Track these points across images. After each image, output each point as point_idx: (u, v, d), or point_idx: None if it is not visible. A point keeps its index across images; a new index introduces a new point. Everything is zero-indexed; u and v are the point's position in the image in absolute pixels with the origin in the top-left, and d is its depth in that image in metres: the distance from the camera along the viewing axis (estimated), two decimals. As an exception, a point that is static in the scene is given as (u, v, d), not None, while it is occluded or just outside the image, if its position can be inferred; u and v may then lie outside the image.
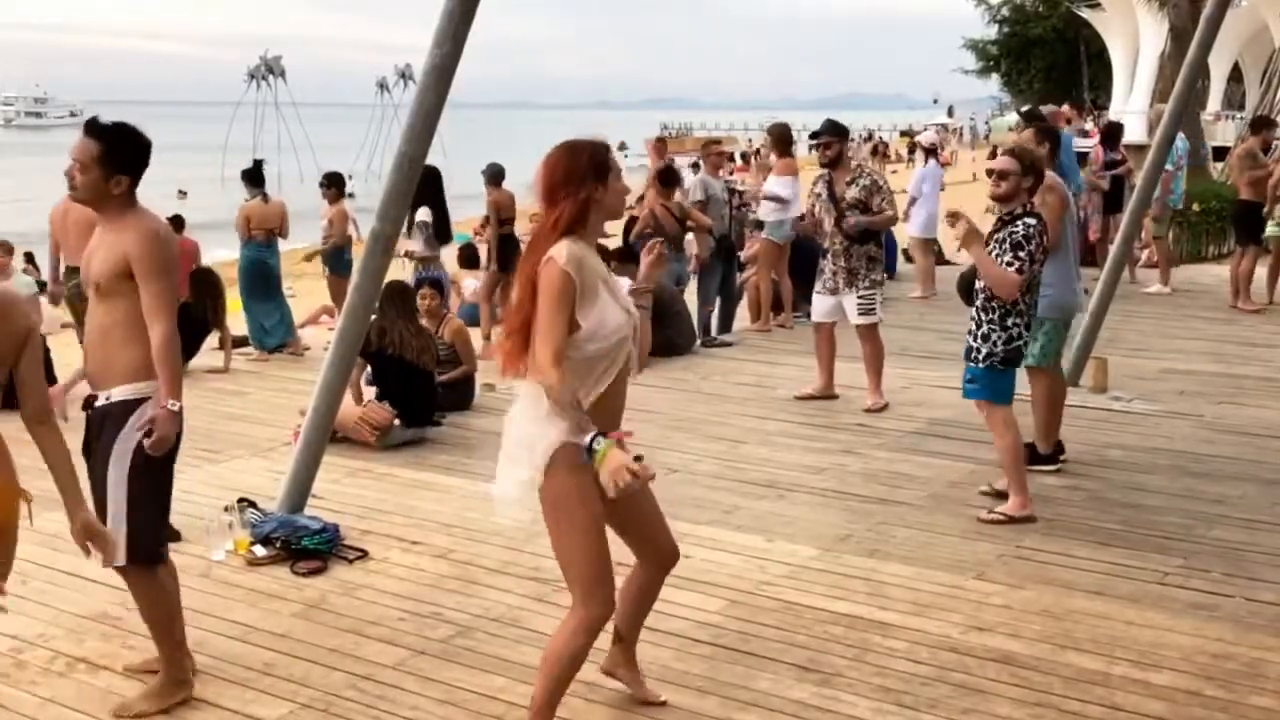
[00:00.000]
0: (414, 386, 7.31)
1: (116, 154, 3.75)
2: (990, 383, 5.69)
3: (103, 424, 3.79)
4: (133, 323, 3.72)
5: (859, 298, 7.89)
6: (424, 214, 9.19)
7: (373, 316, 7.34)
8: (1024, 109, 12.93)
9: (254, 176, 10.98)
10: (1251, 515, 5.82)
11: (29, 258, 16.72)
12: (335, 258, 11.32)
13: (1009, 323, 5.61)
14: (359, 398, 7.27)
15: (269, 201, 10.81)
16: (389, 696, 4.04)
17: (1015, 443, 5.77)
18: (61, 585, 5.00)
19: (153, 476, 3.80)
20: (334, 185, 11.45)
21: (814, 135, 8.09)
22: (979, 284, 5.70)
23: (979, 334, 5.69)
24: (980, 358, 5.68)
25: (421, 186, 9.11)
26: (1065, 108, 16.41)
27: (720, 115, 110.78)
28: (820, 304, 8.10)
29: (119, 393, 3.75)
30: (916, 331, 10.23)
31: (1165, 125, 8.53)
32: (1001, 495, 5.90)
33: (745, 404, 7.98)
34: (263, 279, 10.55)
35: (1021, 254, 5.51)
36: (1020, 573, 5.12)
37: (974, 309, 5.75)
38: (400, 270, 10.01)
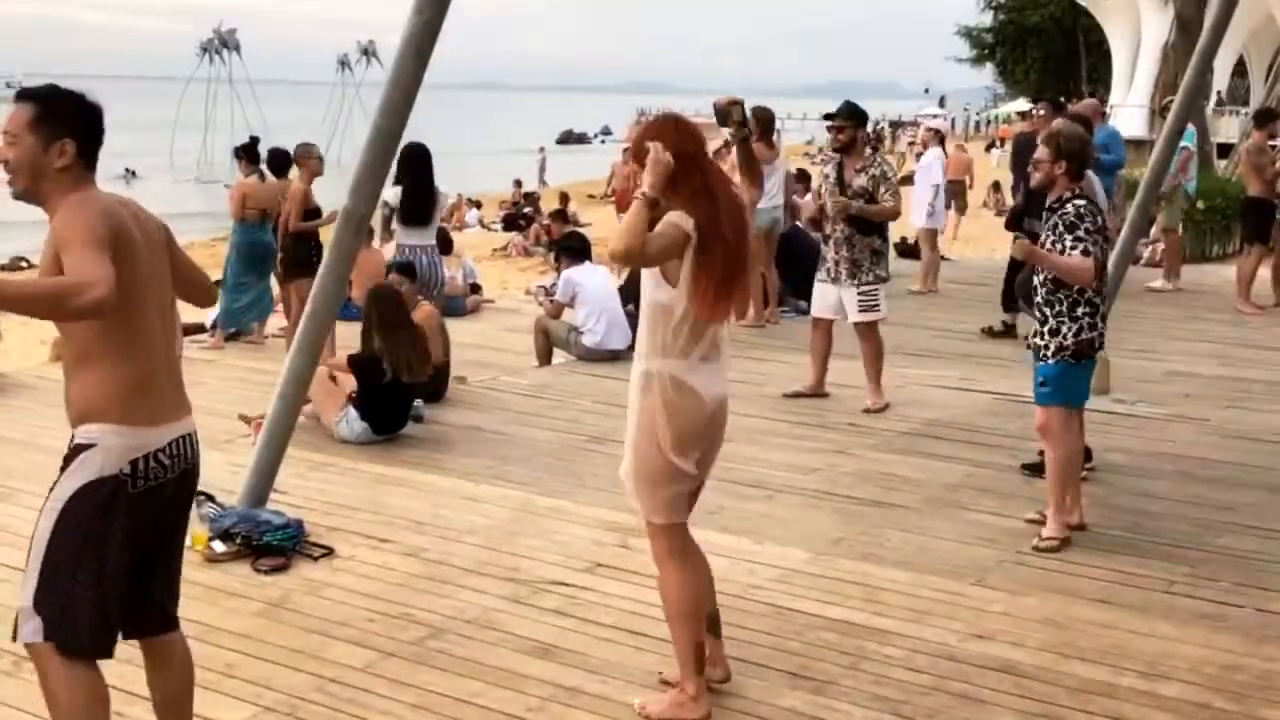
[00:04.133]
0: (402, 400, 7.26)
1: (56, 113, 3.12)
2: (1062, 382, 5.53)
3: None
4: (79, 350, 3.15)
5: (860, 294, 7.85)
6: (388, 194, 9.12)
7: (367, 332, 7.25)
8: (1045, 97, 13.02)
9: (252, 153, 10.90)
10: (1261, 523, 5.88)
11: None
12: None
13: (1078, 312, 5.49)
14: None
15: (265, 180, 10.77)
16: (358, 700, 4.03)
17: (1070, 455, 5.59)
18: (6, 580, 4.95)
19: (84, 540, 3.10)
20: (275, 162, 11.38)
21: (828, 117, 8.10)
22: (1038, 279, 5.62)
23: (1046, 330, 5.55)
24: (1050, 353, 5.53)
25: (403, 165, 9.05)
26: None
27: (701, 101, 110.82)
28: (821, 295, 8.07)
29: (77, 434, 3.17)
30: (912, 329, 10.27)
31: (1175, 115, 8.61)
32: (1038, 523, 5.69)
33: (731, 401, 7.95)
34: (261, 260, 10.54)
35: (1079, 233, 5.40)
36: (1021, 579, 5.15)
37: (1037, 307, 5.63)
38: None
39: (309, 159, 10.50)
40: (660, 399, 3.77)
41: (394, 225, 9.36)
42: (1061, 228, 5.46)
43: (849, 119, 7.94)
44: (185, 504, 3.40)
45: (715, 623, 4.12)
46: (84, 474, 3.11)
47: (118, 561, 3.15)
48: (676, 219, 3.69)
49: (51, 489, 3.17)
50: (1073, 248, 5.42)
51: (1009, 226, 10.59)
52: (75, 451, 3.14)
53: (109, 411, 3.11)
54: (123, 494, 3.12)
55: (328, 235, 6.17)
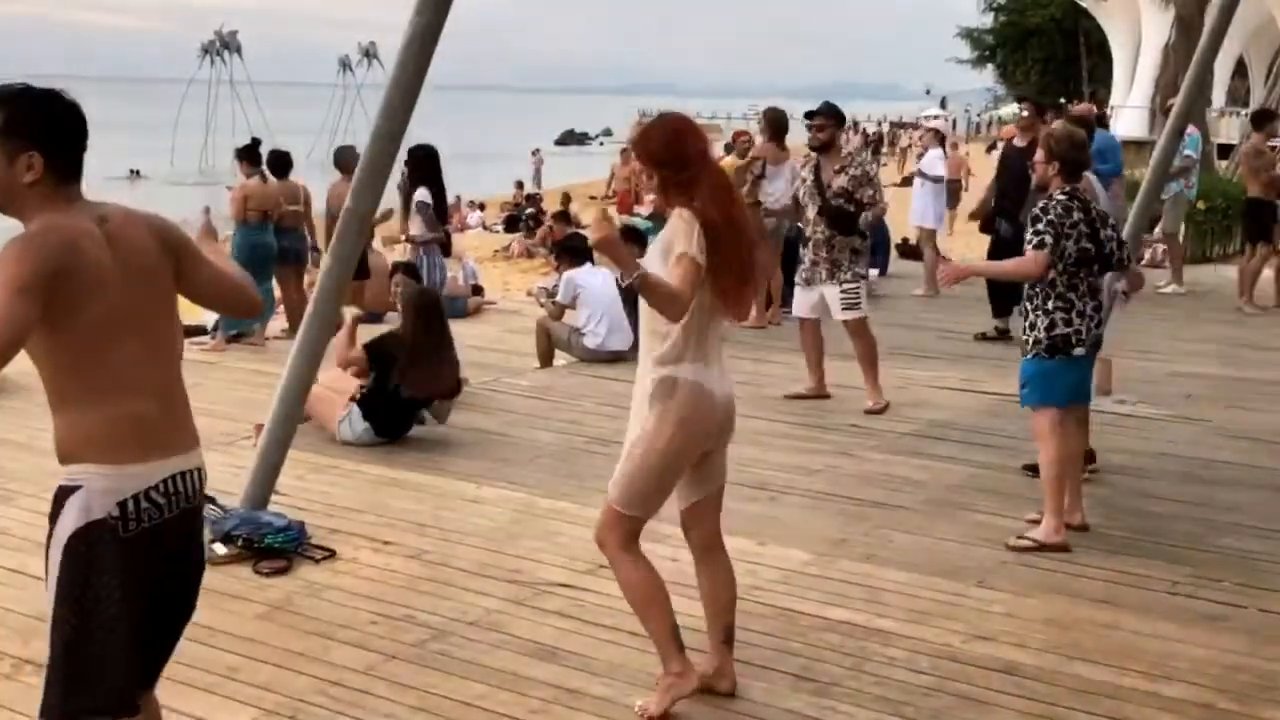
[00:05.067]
0: (406, 406, 7.24)
1: (18, 124, 2.80)
2: (1039, 380, 5.49)
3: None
4: (52, 387, 2.90)
5: (842, 292, 7.84)
6: (422, 194, 9.16)
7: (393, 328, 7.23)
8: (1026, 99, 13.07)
9: (253, 155, 10.93)
10: (1264, 524, 5.87)
11: None
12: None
13: (1049, 306, 5.43)
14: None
15: (266, 182, 10.81)
16: (360, 703, 4.03)
17: (1059, 456, 5.48)
18: (5, 584, 4.96)
19: (91, 608, 2.86)
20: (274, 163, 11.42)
21: (809, 114, 8.11)
22: None
23: (1026, 325, 5.55)
24: (1028, 348, 5.52)
25: (419, 166, 9.19)
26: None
27: (702, 103, 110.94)
28: (801, 298, 8.09)
29: (61, 476, 2.91)
30: (914, 330, 10.27)
31: (1175, 116, 8.61)
32: (1039, 524, 5.63)
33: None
34: (262, 261, 10.58)
35: (1040, 225, 5.38)
36: (1024, 580, 5.14)
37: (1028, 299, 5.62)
38: (395, 255, 9.99)
39: (354, 162, 10.57)
40: (686, 404, 3.79)
41: (416, 226, 9.40)
42: (1028, 224, 5.47)
43: (829, 117, 7.96)
44: (190, 550, 3.08)
45: (730, 634, 4.11)
46: (72, 521, 2.86)
47: (125, 613, 2.89)
48: (684, 249, 3.69)
49: (47, 544, 2.94)
50: (1027, 242, 5.43)
51: (984, 229, 10.64)
52: (60, 496, 2.89)
53: (88, 452, 2.87)
54: (113, 539, 2.86)
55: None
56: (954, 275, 5.78)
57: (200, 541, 3.16)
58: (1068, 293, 5.46)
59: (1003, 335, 10.08)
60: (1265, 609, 4.88)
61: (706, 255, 3.69)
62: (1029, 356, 5.53)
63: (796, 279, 8.10)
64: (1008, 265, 5.45)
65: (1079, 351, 5.50)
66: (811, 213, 7.91)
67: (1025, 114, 10.47)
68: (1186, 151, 11.58)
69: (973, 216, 11.45)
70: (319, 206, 11.51)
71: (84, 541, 2.85)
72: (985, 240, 10.83)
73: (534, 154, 40.73)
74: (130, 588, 2.89)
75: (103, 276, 2.82)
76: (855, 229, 7.86)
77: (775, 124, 11.15)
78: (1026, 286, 5.57)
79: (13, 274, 2.69)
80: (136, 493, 2.88)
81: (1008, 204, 9.41)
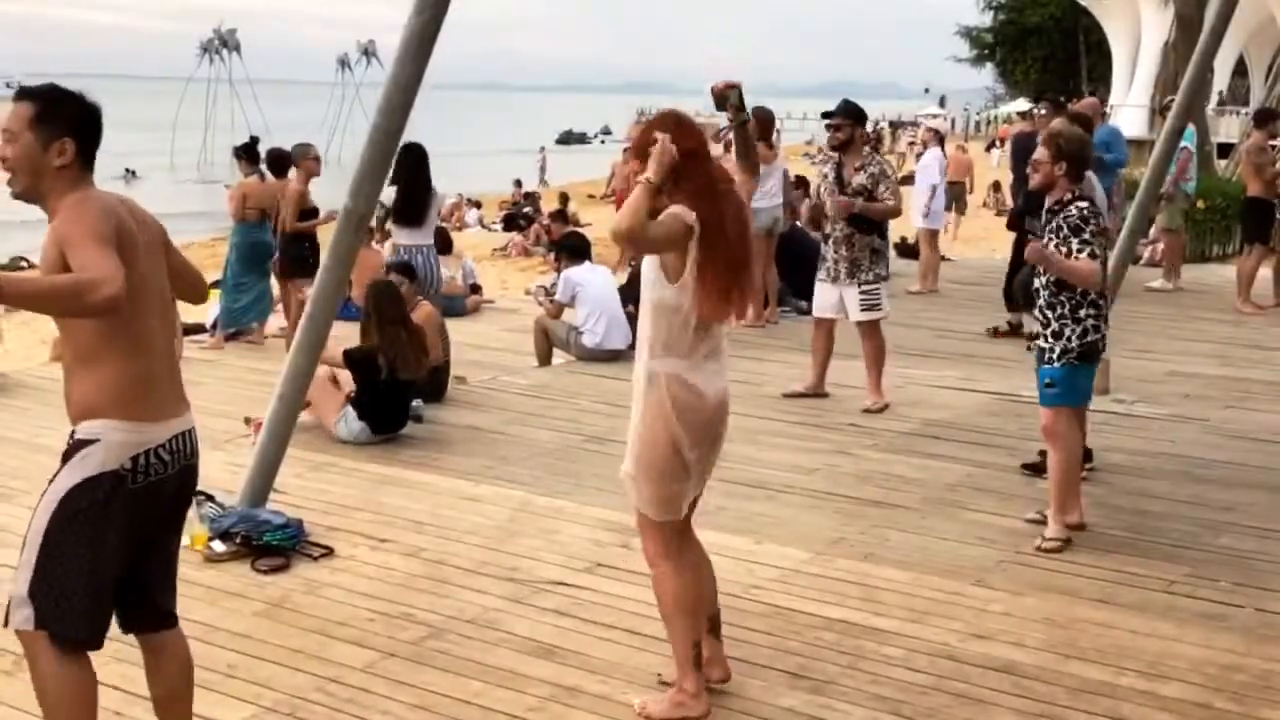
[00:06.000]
0: (400, 399, 7.26)
1: (56, 112, 3.13)
2: (1069, 384, 5.53)
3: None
4: (80, 348, 3.16)
5: (861, 292, 7.84)
6: (384, 194, 9.14)
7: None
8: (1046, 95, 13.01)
9: (252, 153, 10.93)
10: (1261, 523, 5.88)
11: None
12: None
13: (1081, 314, 5.46)
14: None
15: (265, 180, 10.81)
16: (358, 700, 4.04)
17: (1073, 456, 5.62)
18: (6, 581, 4.96)
19: (81, 533, 3.12)
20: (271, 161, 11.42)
21: (826, 114, 8.09)
22: (1039, 281, 5.57)
23: (1049, 333, 5.53)
24: (1056, 357, 5.51)
25: (394, 166, 9.11)
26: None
27: (701, 102, 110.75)
28: (822, 295, 8.06)
29: (79, 430, 3.19)
30: (912, 329, 10.26)
31: (1175, 115, 8.63)
32: (1038, 523, 5.70)
33: (731, 401, 7.94)
34: (261, 260, 10.58)
35: (1085, 235, 5.36)
36: (1021, 579, 5.16)
37: (1038, 309, 5.59)
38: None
39: (306, 159, 10.51)
40: (666, 397, 3.78)
41: (389, 225, 9.34)
42: (1066, 230, 5.40)
43: (847, 117, 7.92)
44: (185, 500, 3.42)
45: (716, 623, 4.13)
46: (85, 469, 3.13)
47: (114, 555, 3.17)
48: (679, 211, 3.70)
49: (50, 481, 3.20)
50: (1079, 250, 5.36)
51: (1011, 226, 10.60)
52: (76, 446, 3.16)
53: (112, 408, 3.13)
54: (123, 489, 3.14)
55: (325, 235, 6.20)
56: (1040, 256, 5.52)
57: (190, 496, 3.47)
58: (1098, 299, 5.53)
59: (1015, 330, 10.02)
60: (1262, 608, 4.89)
61: (697, 249, 3.70)
62: (1059, 364, 5.50)
63: (819, 275, 8.07)
64: (1071, 266, 5.35)
65: (1104, 354, 5.65)
66: (831, 210, 7.90)
67: (1044, 111, 10.46)
68: (1181, 144, 11.61)
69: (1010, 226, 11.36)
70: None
71: (94, 490, 3.12)
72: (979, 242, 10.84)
73: (540, 151, 41.44)
74: (126, 535, 3.18)
75: (135, 242, 3.14)
76: (874, 227, 7.84)
77: (762, 124, 11.12)
78: (1049, 294, 5.51)
79: (93, 228, 2.99)
80: (149, 448, 3.17)
81: (1035, 201, 9.37)
